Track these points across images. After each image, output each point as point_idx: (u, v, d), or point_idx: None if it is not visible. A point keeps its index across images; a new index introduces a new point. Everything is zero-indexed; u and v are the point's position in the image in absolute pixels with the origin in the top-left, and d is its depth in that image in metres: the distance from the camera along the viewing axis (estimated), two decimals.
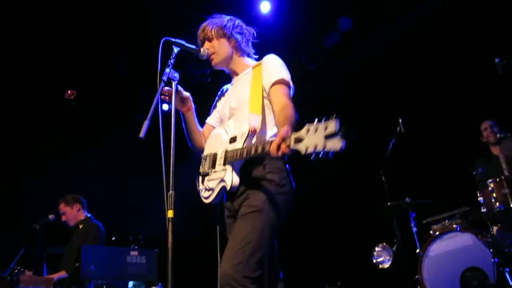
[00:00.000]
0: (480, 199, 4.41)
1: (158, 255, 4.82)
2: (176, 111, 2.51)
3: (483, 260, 4.02)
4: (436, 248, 4.40)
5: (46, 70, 6.18)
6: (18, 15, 5.57)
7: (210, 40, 2.78)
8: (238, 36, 2.80)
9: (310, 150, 1.91)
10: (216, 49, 2.76)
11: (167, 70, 2.43)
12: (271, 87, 2.56)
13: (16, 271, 4.66)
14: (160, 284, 4.84)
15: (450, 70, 5.62)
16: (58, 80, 6.41)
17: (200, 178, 2.68)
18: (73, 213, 5.38)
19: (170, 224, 2.18)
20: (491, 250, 4.01)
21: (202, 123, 2.90)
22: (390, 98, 6.02)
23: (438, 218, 4.75)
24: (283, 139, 2.04)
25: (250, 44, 2.87)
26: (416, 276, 4.43)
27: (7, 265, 4.76)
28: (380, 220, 5.25)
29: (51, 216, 5.28)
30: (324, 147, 1.88)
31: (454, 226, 4.47)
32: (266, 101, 2.59)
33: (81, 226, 5.35)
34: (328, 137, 1.88)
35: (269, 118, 2.57)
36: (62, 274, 5.01)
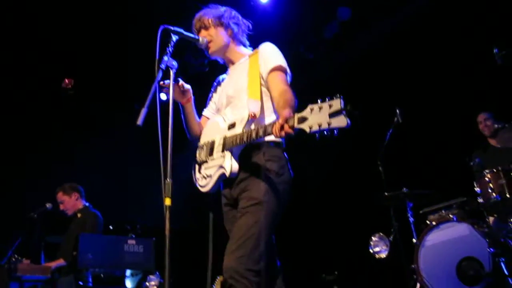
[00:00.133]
0: (477, 189, 4.41)
1: (156, 243, 4.84)
2: (174, 100, 2.50)
3: (479, 250, 4.04)
4: (433, 238, 4.42)
5: (44, 60, 6.14)
6: (14, 5, 5.53)
7: (206, 29, 2.77)
8: (235, 26, 2.80)
9: (315, 128, 1.92)
10: (213, 37, 2.75)
11: (166, 58, 2.42)
12: (268, 74, 2.56)
13: (13, 259, 4.68)
14: (157, 272, 4.86)
15: (448, 61, 5.61)
16: (56, 69, 6.38)
17: (197, 166, 2.67)
18: (71, 202, 5.38)
19: (167, 212, 2.18)
20: (487, 240, 4.03)
21: (199, 113, 2.89)
22: (388, 88, 6.02)
23: (435, 208, 4.76)
24: (286, 120, 2.04)
25: (245, 35, 2.87)
26: (413, 266, 4.45)
27: (4, 254, 4.77)
28: (377, 210, 5.27)
29: (48, 205, 5.28)
30: (329, 125, 1.88)
31: (450, 216, 4.48)
32: (263, 89, 2.58)
33: (79, 215, 5.36)
34: (332, 115, 1.89)
35: (267, 105, 2.56)
36: (60, 262, 5.02)
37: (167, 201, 2.20)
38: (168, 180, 2.21)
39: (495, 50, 4.35)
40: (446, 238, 4.33)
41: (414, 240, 4.58)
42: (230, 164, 2.41)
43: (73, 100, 6.53)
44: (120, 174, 6.86)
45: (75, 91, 6.50)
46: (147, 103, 2.24)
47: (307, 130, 1.94)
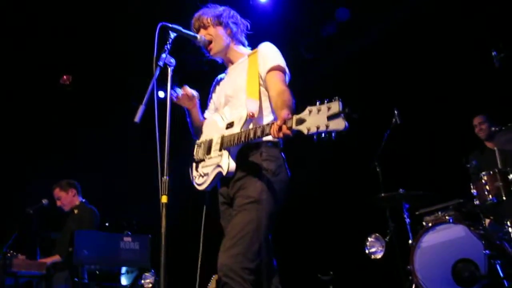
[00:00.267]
0: (473, 191, 4.42)
1: (151, 241, 4.83)
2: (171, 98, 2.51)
3: (474, 252, 4.04)
4: (429, 239, 4.42)
5: (43, 56, 6.13)
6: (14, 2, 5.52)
7: (206, 28, 2.77)
8: (234, 26, 2.80)
9: (313, 130, 1.92)
10: (213, 36, 2.74)
11: (163, 55, 2.42)
12: (267, 73, 2.56)
13: (8, 254, 4.67)
14: (153, 270, 4.86)
15: (446, 62, 5.61)
16: (54, 66, 6.37)
17: (194, 165, 2.67)
18: (68, 198, 5.37)
19: (164, 209, 2.18)
20: (483, 242, 4.04)
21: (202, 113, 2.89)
22: (386, 89, 6.02)
23: (431, 209, 4.76)
24: (284, 121, 2.05)
25: (244, 35, 2.87)
26: (408, 267, 4.46)
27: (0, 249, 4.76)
28: (373, 211, 5.27)
29: (44, 201, 5.27)
30: (327, 127, 1.89)
31: (446, 217, 4.49)
32: (262, 88, 2.58)
33: (76, 211, 5.35)
34: (330, 117, 1.89)
35: (265, 105, 2.57)
36: (56, 258, 5.02)
37: (164, 199, 2.20)
38: (165, 177, 2.21)
39: (493, 53, 4.36)
40: (442, 239, 4.34)
41: (410, 241, 4.59)
42: (228, 163, 2.41)
43: (71, 96, 6.51)
44: (117, 171, 6.84)
45: (73, 87, 6.48)
46: (145, 100, 2.24)
47: (305, 132, 1.95)
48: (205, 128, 2.75)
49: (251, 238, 2.30)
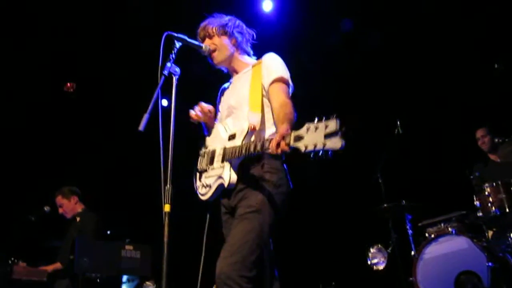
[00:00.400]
0: (477, 203, 4.41)
1: (153, 249, 4.82)
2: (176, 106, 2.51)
3: (477, 264, 4.03)
4: (431, 251, 4.40)
5: (47, 63, 6.16)
6: (16, 7, 5.56)
7: (211, 37, 2.78)
8: (239, 35, 2.81)
9: (310, 148, 1.92)
10: (217, 46, 2.76)
11: (168, 64, 2.43)
12: (270, 85, 2.56)
13: (10, 261, 4.65)
14: (153, 280, 4.84)
15: (449, 73, 5.63)
16: (57, 72, 6.39)
17: (197, 174, 2.67)
18: (70, 206, 5.36)
19: (166, 218, 2.18)
20: (485, 254, 4.02)
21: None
22: (388, 100, 6.03)
23: (434, 221, 4.75)
24: (283, 137, 2.05)
25: (249, 44, 2.88)
26: (411, 278, 4.44)
27: (1, 256, 4.75)
28: (376, 222, 5.25)
29: (46, 208, 5.27)
30: (324, 146, 1.89)
31: (449, 229, 4.48)
32: (265, 100, 2.59)
33: (78, 219, 5.33)
34: (328, 136, 1.89)
35: (268, 116, 2.57)
36: (57, 266, 5.00)
37: (167, 208, 2.20)
38: (168, 186, 2.22)
39: (495, 65, 4.38)
40: (444, 251, 4.32)
41: (413, 253, 4.57)
42: (229, 175, 2.43)
43: (75, 103, 6.53)
44: (120, 179, 6.84)
45: (77, 95, 6.50)
46: (149, 109, 2.25)
47: (302, 149, 1.96)
48: (209, 138, 2.76)
49: (251, 247, 2.30)
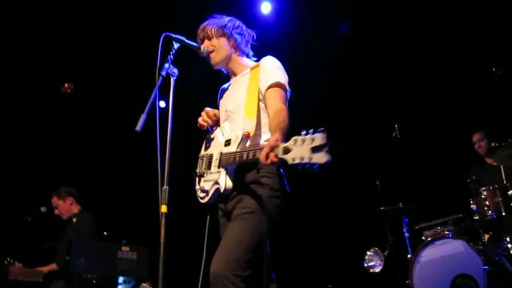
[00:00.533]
0: (473, 206, 4.42)
1: (150, 251, 4.81)
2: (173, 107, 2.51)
3: (474, 267, 4.04)
4: (428, 254, 4.41)
5: (45, 63, 6.15)
6: (15, 8, 5.55)
7: (209, 39, 2.78)
8: (238, 37, 2.80)
9: (297, 161, 1.95)
10: (215, 47, 2.76)
11: (166, 65, 2.43)
12: (266, 90, 2.56)
13: (5, 262, 4.64)
14: (150, 282, 4.83)
15: (447, 77, 5.64)
16: (56, 73, 6.39)
17: (197, 178, 2.68)
18: (66, 207, 5.35)
19: (163, 219, 2.18)
20: (482, 258, 4.03)
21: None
22: (386, 103, 6.04)
23: (430, 224, 4.76)
24: (272, 149, 2.07)
25: (249, 46, 2.87)
26: (407, 281, 4.44)
27: None
28: (373, 225, 5.26)
29: (43, 209, 5.26)
30: (310, 160, 1.92)
31: (446, 232, 4.48)
32: (262, 104, 2.59)
33: (74, 220, 5.33)
34: (314, 149, 1.92)
35: (264, 121, 2.58)
36: (53, 267, 4.99)
37: (163, 208, 2.20)
38: (164, 187, 2.22)
39: (493, 69, 4.39)
40: (441, 254, 4.33)
41: (409, 256, 4.57)
42: (225, 182, 2.44)
43: (72, 105, 6.52)
44: (117, 180, 6.83)
45: (74, 95, 6.50)
46: (146, 109, 2.25)
47: (290, 161, 1.98)
48: (207, 142, 2.77)
49: (246, 247, 2.31)
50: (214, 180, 2.49)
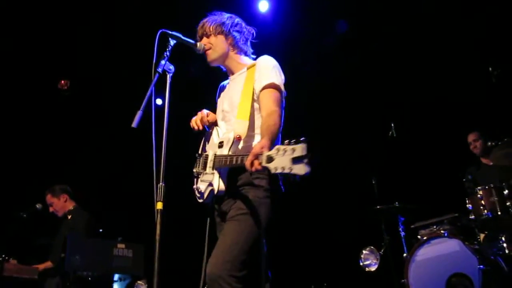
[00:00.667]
0: (469, 206, 4.43)
1: (145, 248, 4.80)
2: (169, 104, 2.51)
3: (469, 267, 4.05)
4: (423, 253, 4.42)
5: (41, 60, 6.12)
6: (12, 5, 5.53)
7: (208, 36, 2.77)
8: (236, 34, 2.79)
9: (279, 170, 1.97)
10: (212, 45, 2.75)
11: (163, 62, 2.42)
12: (260, 91, 2.55)
13: (0, 259, 4.62)
14: (145, 279, 4.82)
15: (443, 76, 5.65)
16: (53, 70, 6.36)
17: (195, 177, 2.69)
18: (60, 204, 5.33)
19: (159, 216, 2.18)
20: (477, 257, 4.04)
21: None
22: (383, 102, 6.04)
23: (426, 223, 4.77)
24: (256, 156, 2.09)
25: (248, 43, 2.86)
26: (402, 280, 4.45)
27: None
28: (369, 223, 5.26)
29: (38, 205, 5.24)
30: (291, 170, 1.93)
31: (442, 231, 4.49)
32: (256, 105, 2.59)
33: (69, 217, 5.31)
34: (295, 160, 1.93)
35: (258, 122, 2.58)
36: (48, 264, 4.97)
37: (159, 205, 2.20)
38: (160, 184, 2.21)
39: (490, 69, 4.40)
40: (436, 253, 4.34)
41: (405, 255, 4.58)
42: (218, 184, 2.47)
43: (69, 101, 6.50)
44: (113, 177, 6.82)
45: (70, 92, 6.47)
46: (142, 106, 2.25)
47: (272, 170, 1.99)
48: (204, 141, 2.78)
49: (241, 247, 2.33)
50: (209, 181, 2.51)
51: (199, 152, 2.74)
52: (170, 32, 2.52)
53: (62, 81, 6.39)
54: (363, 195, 5.33)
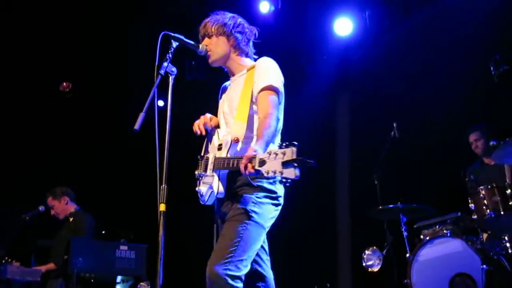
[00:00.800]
0: (471, 205, 4.40)
1: (148, 250, 4.81)
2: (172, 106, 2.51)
3: (472, 267, 4.03)
4: (426, 253, 4.41)
5: (43, 62, 6.14)
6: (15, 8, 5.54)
7: (209, 37, 2.77)
8: (238, 35, 2.78)
9: (270, 174, 2.00)
10: (214, 46, 2.75)
11: (165, 64, 2.43)
12: (258, 93, 2.56)
13: (3, 261, 4.63)
14: (148, 281, 4.82)
15: (446, 76, 5.63)
16: (54, 72, 6.38)
17: (197, 179, 2.70)
18: (61, 207, 5.35)
19: (161, 218, 2.18)
20: (480, 257, 4.03)
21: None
22: (385, 102, 6.03)
23: (429, 223, 4.75)
24: (249, 160, 2.11)
25: (250, 44, 2.86)
26: (405, 281, 4.44)
27: None
28: (371, 224, 5.26)
29: (41, 207, 5.26)
30: (281, 174, 1.95)
31: (444, 231, 4.48)
32: (255, 107, 2.60)
33: (71, 219, 5.33)
34: (285, 164, 1.95)
35: (257, 124, 2.57)
36: (50, 266, 4.98)
37: (162, 207, 2.20)
38: (163, 185, 2.22)
39: (491, 68, 4.39)
40: (439, 253, 4.33)
41: (408, 255, 4.57)
42: (217, 186, 2.49)
43: (71, 103, 6.52)
44: (116, 178, 6.82)
45: (72, 94, 6.49)
46: (145, 108, 2.25)
47: (264, 174, 2.02)
48: (206, 143, 2.79)
49: (240, 247, 2.34)
50: (209, 183, 2.53)
51: (202, 154, 2.74)
52: (172, 34, 2.53)
53: (64, 83, 6.41)
54: (365, 195, 5.33)
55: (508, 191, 4.24)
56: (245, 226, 2.38)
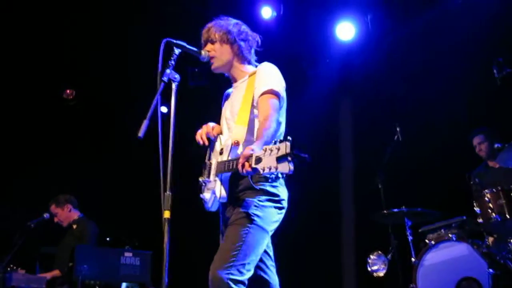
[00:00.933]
0: (477, 209, 4.38)
1: (152, 257, 4.81)
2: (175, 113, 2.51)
3: (478, 271, 4.01)
4: (432, 257, 4.39)
5: (46, 70, 6.16)
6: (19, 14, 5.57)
7: (213, 43, 2.77)
8: (242, 43, 2.79)
9: (266, 171, 2.01)
10: (217, 53, 2.76)
11: (168, 71, 2.43)
12: (259, 97, 2.57)
13: (8, 269, 4.64)
14: (153, 287, 4.82)
15: (450, 79, 5.62)
16: (58, 80, 6.40)
17: (201, 186, 2.71)
18: (64, 214, 5.36)
19: (166, 225, 2.18)
20: (486, 261, 4.01)
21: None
22: (388, 105, 6.03)
23: (434, 227, 4.73)
24: (246, 159, 2.12)
25: (252, 51, 2.86)
26: (411, 285, 4.42)
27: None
28: (376, 228, 5.24)
29: (46, 215, 5.27)
30: (276, 169, 1.97)
31: (450, 235, 4.45)
32: (256, 111, 2.60)
33: (74, 226, 5.34)
34: (279, 159, 1.96)
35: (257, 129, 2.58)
36: (55, 273, 4.98)
37: (166, 214, 2.20)
38: (167, 192, 2.22)
39: (494, 71, 4.37)
40: (445, 257, 4.31)
41: (413, 259, 4.55)
42: (220, 191, 2.49)
43: (75, 111, 6.54)
44: (120, 185, 6.83)
45: (76, 101, 6.51)
46: (148, 115, 2.25)
47: (261, 171, 2.04)
48: (211, 150, 2.80)
49: (242, 251, 2.34)
50: (212, 188, 2.54)
51: (205, 160, 2.75)
52: (175, 41, 2.53)
53: (68, 91, 6.44)
54: (369, 199, 5.31)
55: None
56: (247, 230, 2.38)
